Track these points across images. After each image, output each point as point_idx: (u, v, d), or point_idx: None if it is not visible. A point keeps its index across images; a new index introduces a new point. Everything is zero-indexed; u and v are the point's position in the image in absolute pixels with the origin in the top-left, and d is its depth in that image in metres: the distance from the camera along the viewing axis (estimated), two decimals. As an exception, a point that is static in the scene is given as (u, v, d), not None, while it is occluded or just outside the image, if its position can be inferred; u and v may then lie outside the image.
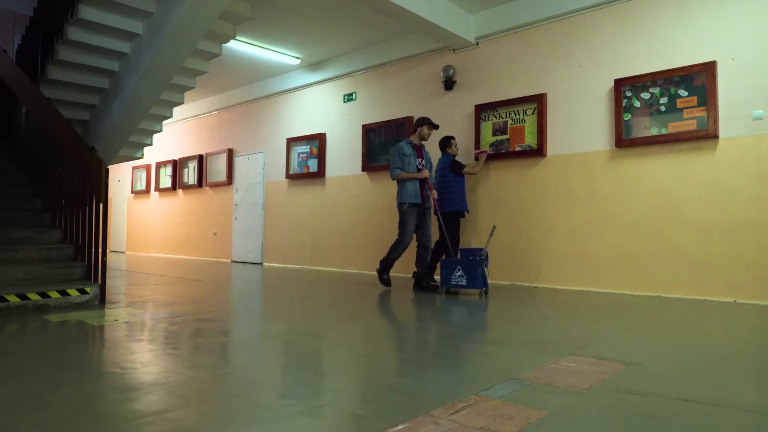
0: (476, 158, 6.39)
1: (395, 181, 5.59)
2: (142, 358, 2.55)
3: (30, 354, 2.61)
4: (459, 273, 5.07)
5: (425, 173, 5.51)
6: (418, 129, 5.65)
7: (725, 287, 4.76)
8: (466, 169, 6.02)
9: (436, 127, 5.68)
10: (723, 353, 2.75)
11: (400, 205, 5.55)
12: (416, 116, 7.26)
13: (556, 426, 1.70)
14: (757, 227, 4.63)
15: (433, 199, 5.59)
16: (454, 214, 5.86)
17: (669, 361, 2.57)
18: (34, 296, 3.90)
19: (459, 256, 5.50)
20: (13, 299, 3.80)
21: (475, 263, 4.96)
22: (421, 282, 5.56)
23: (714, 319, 3.83)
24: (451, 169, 5.89)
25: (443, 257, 5.70)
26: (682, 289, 4.99)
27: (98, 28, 5.23)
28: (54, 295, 4.01)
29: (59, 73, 5.63)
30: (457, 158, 6.18)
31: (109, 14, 5.17)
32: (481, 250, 5.02)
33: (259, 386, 2.11)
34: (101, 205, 4.26)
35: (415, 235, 5.72)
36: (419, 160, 5.60)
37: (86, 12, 5.04)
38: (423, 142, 5.79)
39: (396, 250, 5.54)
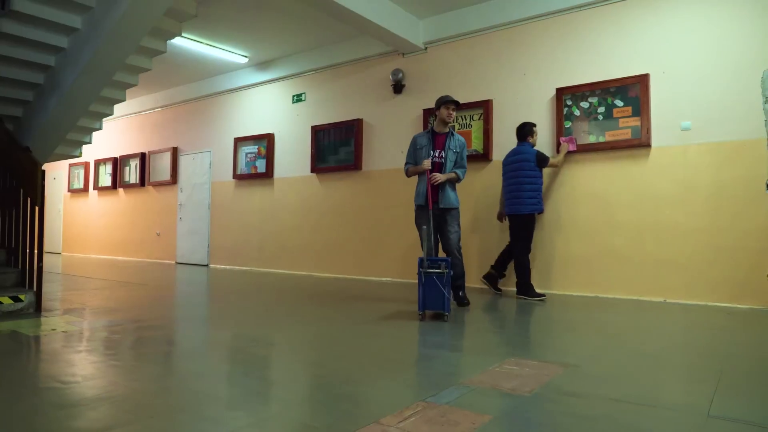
0: (559, 148, 5.53)
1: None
2: (83, 370, 2.47)
3: (-41, 369, 2.47)
4: None
5: (424, 165, 4.47)
6: (437, 112, 4.63)
7: (656, 287, 5.05)
8: (551, 161, 5.29)
9: (456, 103, 4.58)
10: (652, 353, 2.93)
11: None
12: (366, 118, 7.30)
13: (500, 430, 1.78)
14: (684, 231, 4.93)
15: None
16: (530, 216, 5.16)
17: (604, 362, 2.72)
18: (-39, 305, 3.69)
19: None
20: (-62, 309, 3.58)
21: (420, 279, 3.88)
22: (492, 282, 5.42)
23: (645, 319, 4.06)
24: (538, 163, 5.14)
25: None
26: (617, 290, 5.26)
27: (33, 20, 4.96)
28: (-16, 303, 3.81)
29: (-11, 66, 5.31)
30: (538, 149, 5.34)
31: (44, 7, 4.92)
32: (431, 260, 3.92)
33: (205, 398, 2.09)
34: (37, 208, 4.07)
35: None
36: (436, 151, 4.58)
37: (20, 4, 4.78)
38: (450, 127, 4.71)
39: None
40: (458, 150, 4.63)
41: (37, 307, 4.09)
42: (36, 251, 4.13)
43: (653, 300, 5.02)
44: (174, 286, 6.24)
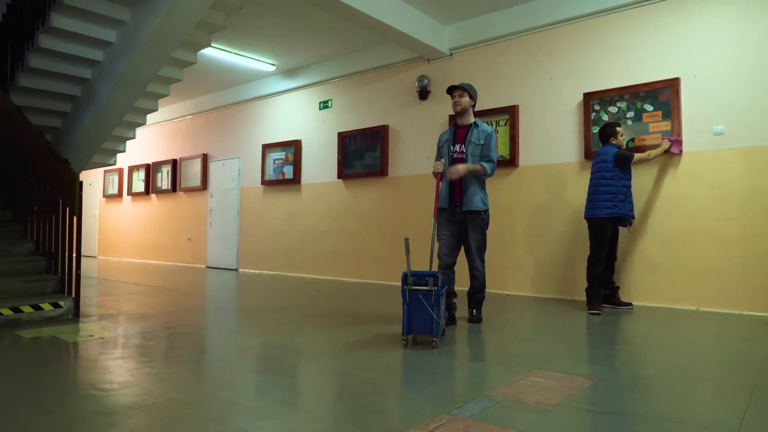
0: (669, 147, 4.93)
1: None
2: (120, 378, 2.56)
3: (4, 375, 2.60)
4: None
5: (434, 167, 3.97)
6: None
7: (688, 295, 4.96)
8: (637, 158, 4.80)
9: (452, 88, 4.10)
10: (683, 365, 2.89)
11: None
12: (391, 124, 7.35)
13: (524, 445, 1.79)
14: (718, 237, 4.83)
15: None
16: (605, 220, 4.78)
17: (632, 375, 2.69)
18: (6, 311, 3.86)
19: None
20: (-17, 315, 3.76)
21: (404, 298, 3.28)
22: (612, 302, 4.92)
23: (676, 328, 3.99)
24: (616, 164, 4.75)
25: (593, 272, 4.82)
26: (648, 297, 5.17)
27: (70, 36, 5.16)
28: (27, 309, 3.97)
29: (30, 80, 5.53)
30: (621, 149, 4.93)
31: (81, 22, 5.11)
32: (417, 276, 3.29)
33: (236, 408, 2.15)
34: (75, 217, 4.23)
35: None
36: (457, 145, 4.06)
37: (58, 20, 4.98)
38: (474, 119, 4.13)
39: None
40: (482, 141, 3.99)
41: (76, 313, 4.25)
42: (74, 259, 4.29)
43: (686, 308, 4.93)
44: (204, 291, 6.38)
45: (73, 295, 4.29)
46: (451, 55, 6.77)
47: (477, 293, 4.20)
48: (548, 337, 3.66)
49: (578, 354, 3.20)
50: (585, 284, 4.94)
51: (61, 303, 4.18)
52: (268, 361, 2.96)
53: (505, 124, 6.21)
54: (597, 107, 5.54)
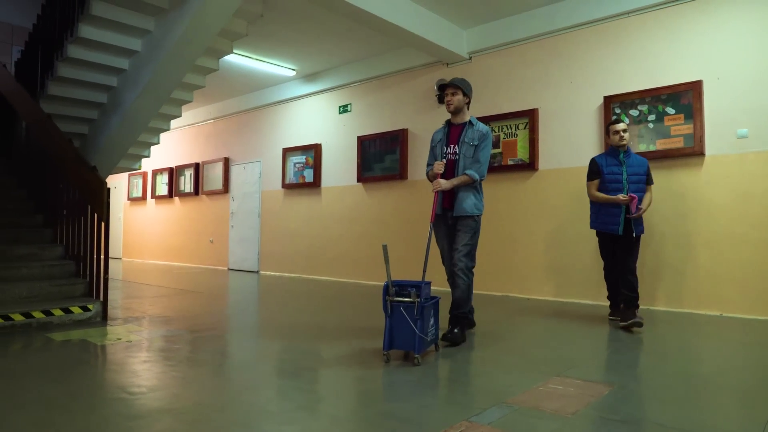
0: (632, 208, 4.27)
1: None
2: (148, 381, 2.64)
3: (37, 378, 2.70)
4: None
5: (435, 169, 3.72)
6: None
7: (711, 301, 4.90)
8: (592, 189, 4.46)
9: (443, 87, 3.89)
10: (704, 373, 2.87)
11: None
12: (411, 128, 7.38)
13: (542, 454, 1.81)
14: (742, 242, 4.76)
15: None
16: (601, 234, 4.53)
17: (651, 382, 2.69)
18: (38, 314, 3.99)
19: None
20: (17, 317, 3.89)
21: (386, 311, 3.11)
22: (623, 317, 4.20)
23: (699, 335, 3.96)
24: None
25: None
26: (669, 302, 5.12)
27: (97, 45, 5.32)
28: (57, 312, 4.10)
29: (59, 89, 5.70)
30: (599, 156, 4.54)
31: (108, 32, 5.26)
32: (399, 285, 3.14)
33: (260, 413, 2.21)
34: (102, 223, 4.35)
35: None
36: (450, 146, 3.82)
37: (86, 30, 5.13)
38: (469, 117, 3.86)
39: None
40: (476, 142, 3.74)
41: (104, 316, 4.37)
42: (102, 263, 4.41)
43: (709, 314, 4.87)
44: (227, 294, 6.49)
45: (101, 298, 4.41)
46: (471, 58, 6.78)
47: (456, 308, 3.70)
48: (567, 343, 3.65)
49: (598, 360, 3.20)
50: (605, 289, 4.90)
51: (90, 306, 4.31)
52: (290, 366, 3.01)
53: (525, 128, 6.20)
54: (618, 110, 5.50)
